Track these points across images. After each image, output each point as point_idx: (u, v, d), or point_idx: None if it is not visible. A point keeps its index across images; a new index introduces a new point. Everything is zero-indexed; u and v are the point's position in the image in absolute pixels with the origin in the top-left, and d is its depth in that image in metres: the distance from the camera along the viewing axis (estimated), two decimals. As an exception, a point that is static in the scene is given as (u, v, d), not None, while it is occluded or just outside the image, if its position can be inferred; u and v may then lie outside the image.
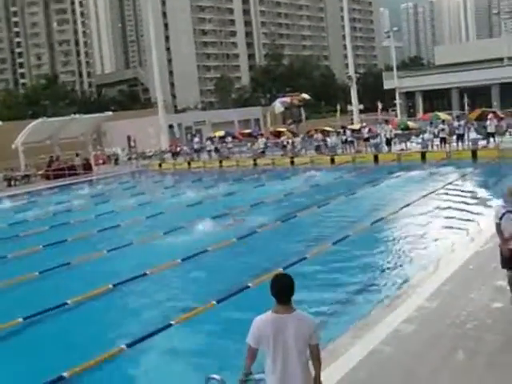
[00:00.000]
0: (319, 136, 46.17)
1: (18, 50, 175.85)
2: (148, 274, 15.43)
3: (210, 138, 53.12)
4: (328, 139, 44.90)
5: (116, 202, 31.66)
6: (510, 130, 40.71)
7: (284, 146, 46.99)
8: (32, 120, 54.35)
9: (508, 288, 10.31)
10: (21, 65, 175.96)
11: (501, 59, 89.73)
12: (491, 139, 38.59)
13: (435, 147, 40.45)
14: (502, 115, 44.95)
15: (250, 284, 13.49)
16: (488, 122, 39.09)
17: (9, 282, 15.89)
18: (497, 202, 14.53)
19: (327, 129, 48.95)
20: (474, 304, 10.59)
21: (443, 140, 39.78)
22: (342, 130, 45.68)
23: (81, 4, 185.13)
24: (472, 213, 20.10)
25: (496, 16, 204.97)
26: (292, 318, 5.79)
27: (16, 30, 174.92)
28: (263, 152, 47.51)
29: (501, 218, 10.07)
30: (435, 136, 40.71)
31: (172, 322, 11.66)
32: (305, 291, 12.07)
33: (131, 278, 15.12)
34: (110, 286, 14.52)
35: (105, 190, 39.52)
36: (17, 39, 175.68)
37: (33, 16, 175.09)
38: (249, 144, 49.64)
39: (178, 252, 17.42)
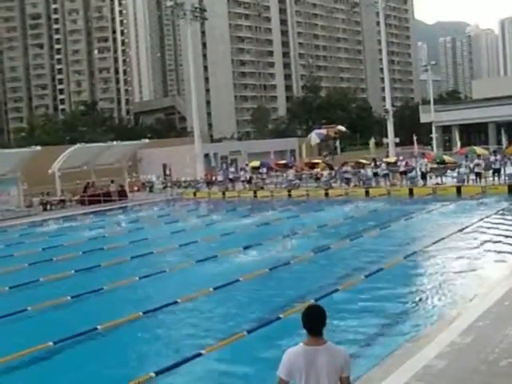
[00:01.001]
0: (349, 168, 46.18)
1: (58, 77, 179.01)
2: (179, 302, 15.40)
3: (243, 168, 53.22)
4: (362, 171, 44.84)
5: (150, 230, 31.83)
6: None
7: (317, 178, 46.96)
8: (70, 146, 54.98)
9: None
10: (61, 91, 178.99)
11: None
12: None
13: (471, 181, 40.16)
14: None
15: (281, 315, 13.40)
16: None
17: (40, 305, 15.97)
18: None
19: (362, 161, 48.76)
20: (508, 341, 10.39)
21: (478, 175, 39.50)
22: (373, 163, 45.48)
23: (122, 33, 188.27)
24: (508, 248, 19.81)
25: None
26: (324, 350, 5.73)
27: (58, 56, 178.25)
28: (297, 184, 47.48)
29: None
30: (471, 170, 40.44)
31: (202, 352, 11.59)
32: (337, 323, 11.98)
33: (162, 305, 15.09)
34: (141, 313, 14.52)
35: (139, 217, 39.76)
36: (58, 66, 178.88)
37: (75, 43, 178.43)
38: (284, 175, 49.64)
39: (210, 280, 17.39)
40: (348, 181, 45.17)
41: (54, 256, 23.92)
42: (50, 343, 12.47)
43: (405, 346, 10.97)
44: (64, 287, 18.30)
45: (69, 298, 16.56)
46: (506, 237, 22.22)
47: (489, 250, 19.81)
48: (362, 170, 45.23)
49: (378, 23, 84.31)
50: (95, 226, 36.00)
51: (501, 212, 29.43)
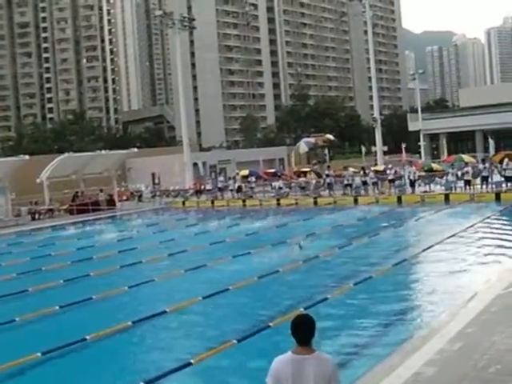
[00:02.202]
0: (331, 173, 46.62)
1: (47, 86, 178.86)
2: (168, 311, 15.37)
3: (233, 177, 53.19)
4: (344, 180, 45.07)
5: (139, 239, 31.77)
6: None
7: (302, 188, 47.10)
8: (58, 155, 54.83)
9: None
10: (49, 100, 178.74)
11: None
12: (509, 183, 38.59)
13: (458, 189, 40.38)
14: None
15: (270, 324, 13.41)
16: (505, 165, 39.16)
17: (29, 315, 15.88)
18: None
19: (351, 169, 48.90)
20: (496, 347, 10.42)
21: (467, 182, 39.72)
22: (362, 172, 45.62)
23: (110, 42, 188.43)
24: (496, 255, 19.92)
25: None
26: (312, 359, 5.71)
27: (46, 65, 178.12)
28: (286, 192, 47.54)
29: None
30: (458, 178, 40.70)
31: (192, 361, 11.58)
32: (324, 331, 11.99)
33: (151, 315, 15.06)
34: (130, 323, 14.48)
35: (128, 227, 39.67)
36: (46, 75, 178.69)
37: (63, 52, 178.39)
38: (273, 184, 49.68)
39: (199, 289, 17.38)
40: (330, 186, 45.25)
41: (43, 266, 23.81)
42: (39, 354, 12.39)
43: (394, 355, 10.99)
44: (52, 297, 18.23)
45: (57, 307, 16.47)
46: (494, 244, 22.33)
47: (477, 258, 19.89)
48: (343, 178, 45.42)
49: (365, 32, 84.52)
50: (84, 235, 35.90)
51: (488, 220, 29.56)
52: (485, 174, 39.74)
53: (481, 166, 40.72)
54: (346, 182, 45.02)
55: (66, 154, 51.33)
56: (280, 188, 47.57)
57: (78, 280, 20.61)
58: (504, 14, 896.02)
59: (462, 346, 10.70)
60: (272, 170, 59.45)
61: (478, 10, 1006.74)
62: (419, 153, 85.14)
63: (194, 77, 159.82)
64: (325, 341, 11.26)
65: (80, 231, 38.99)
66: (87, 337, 13.34)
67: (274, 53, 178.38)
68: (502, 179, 39.46)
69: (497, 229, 26.54)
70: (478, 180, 40.23)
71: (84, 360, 12.68)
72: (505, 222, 28.68)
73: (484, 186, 39.70)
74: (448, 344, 10.84)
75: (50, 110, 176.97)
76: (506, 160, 40.47)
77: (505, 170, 39.08)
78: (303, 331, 5.76)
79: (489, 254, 20.30)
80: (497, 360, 9.79)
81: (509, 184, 38.70)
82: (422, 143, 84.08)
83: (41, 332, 14.84)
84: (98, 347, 13.24)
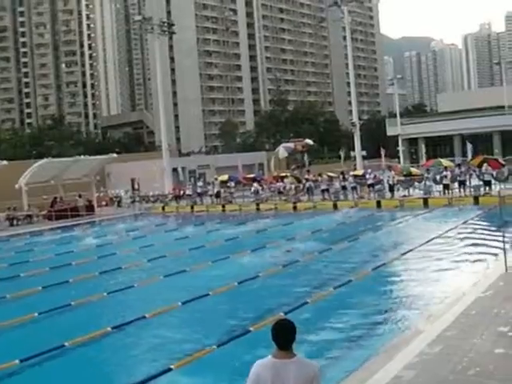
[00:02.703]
0: (311, 177, 46.90)
1: (25, 90, 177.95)
2: (147, 317, 15.31)
3: (212, 182, 53.11)
4: (321, 185, 45.19)
5: (118, 245, 31.62)
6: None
7: (280, 192, 47.17)
8: (37, 160, 54.49)
9: (510, 334, 10.26)
10: (28, 105, 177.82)
11: (502, 107, 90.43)
12: (487, 187, 38.96)
13: (437, 193, 40.67)
14: (503, 162, 45.17)
15: (251, 328, 13.40)
16: (484, 170, 39.57)
17: (7, 322, 15.71)
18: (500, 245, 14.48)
19: (330, 174, 49.02)
20: (476, 350, 10.48)
21: (446, 187, 40.02)
22: (341, 176, 45.75)
23: (90, 47, 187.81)
24: (474, 259, 20.04)
25: (497, 65, 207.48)
26: (292, 363, 5.71)
27: (25, 70, 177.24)
28: (266, 197, 47.60)
29: None
30: (436, 182, 41.01)
31: (172, 366, 11.53)
32: (304, 336, 12.01)
33: (130, 320, 15.00)
34: (109, 328, 14.40)
35: (107, 232, 39.45)
36: (25, 79, 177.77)
37: (42, 57, 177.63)
38: (252, 188, 49.65)
39: (178, 295, 17.34)
40: (309, 190, 45.38)
41: (21, 272, 23.62)
42: (17, 361, 12.29)
43: (374, 358, 11.01)
44: (31, 304, 18.07)
45: (36, 314, 16.34)
46: (473, 247, 22.48)
47: (456, 261, 20.02)
48: (320, 184, 45.53)
49: (344, 38, 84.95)
50: (63, 241, 35.68)
51: (466, 223, 29.75)
52: (461, 178, 40.15)
53: (457, 170, 41.08)
54: (322, 188, 45.18)
55: (45, 160, 51.01)
56: (257, 192, 47.61)
57: (57, 286, 20.45)
58: (481, 20, 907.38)
59: (441, 349, 10.74)
60: (251, 175, 59.42)
61: (456, 16, 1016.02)
62: (398, 157, 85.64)
63: (174, 82, 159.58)
64: (304, 345, 11.26)
65: (59, 237, 38.74)
66: (66, 343, 13.25)
67: (253, 58, 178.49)
68: (481, 183, 39.79)
69: (475, 233, 26.70)
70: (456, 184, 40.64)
71: (63, 367, 12.58)
72: (483, 226, 28.84)
73: (462, 190, 40.07)
74: (428, 347, 10.88)
75: (29, 115, 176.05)
76: (485, 165, 40.84)
77: (483, 174, 39.44)
78: (283, 336, 5.76)
79: (468, 258, 20.40)
80: (476, 363, 9.84)
81: (487, 188, 39.08)
82: (400, 148, 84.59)
83: (19, 339, 14.69)
84: (78, 354, 13.14)
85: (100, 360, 13.05)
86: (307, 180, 46.69)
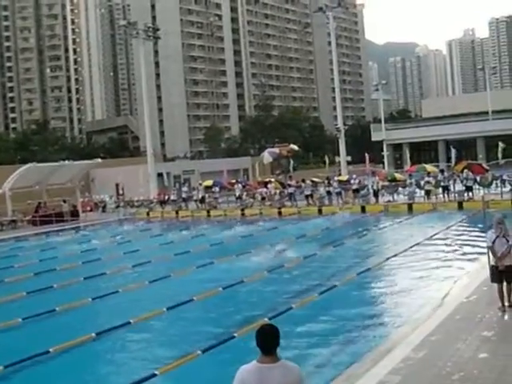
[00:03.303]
0: (293, 183, 47.28)
1: (10, 95, 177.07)
2: (132, 322, 15.28)
3: (196, 188, 52.94)
4: (304, 191, 45.28)
5: (102, 250, 31.52)
6: (495, 181, 41.08)
7: (263, 198, 47.20)
8: (21, 165, 54.26)
9: (493, 338, 10.34)
10: (12, 109, 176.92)
11: (486, 113, 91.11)
12: (470, 193, 39.24)
13: (421, 199, 40.84)
14: (487, 167, 45.48)
15: (235, 334, 13.41)
16: (465, 175, 39.89)
17: (-9, 328, 15.67)
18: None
19: (314, 180, 49.08)
20: (460, 354, 10.55)
21: (427, 192, 40.28)
22: (326, 181, 45.81)
23: (74, 51, 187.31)
24: (459, 264, 20.13)
25: (481, 71, 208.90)
26: (277, 368, 5.74)
27: (9, 74, 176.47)
28: (251, 203, 47.65)
29: (493, 242, 12.74)
30: (420, 188, 41.23)
31: (156, 372, 11.51)
32: (289, 342, 12.02)
33: (115, 326, 14.96)
34: (94, 334, 14.36)
35: (91, 238, 39.30)
36: (9, 84, 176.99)
37: (26, 62, 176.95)
38: (237, 194, 49.55)
39: (163, 300, 17.32)
40: (291, 195, 45.52)
41: (5, 277, 23.52)
42: (1, 367, 12.24)
43: (358, 363, 11.05)
44: (15, 309, 17.99)
45: (20, 320, 16.27)
46: (455, 252, 22.60)
47: (440, 266, 20.10)
48: (304, 189, 45.64)
49: (329, 43, 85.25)
50: (47, 246, 35.52)
51: (450, 228, 29.89)
52: (444, 184, 40.41)
53: (440, 176, 41.32)
54: (305, 193, 45.27)
55: (29, 165, 50.70)
56: (240, 197, 47.66)
57: (41, 292, 20.36)
58: (465, 26, 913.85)
59: (426, 353, 10.80)
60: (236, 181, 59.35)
61: (440, 22, 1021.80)
62: (383, 163, 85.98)
63: (159, 87, 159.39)
64: (288, 351, 11.28)
65: (43, 242, 38.56)
66: (50, 349, 13.20)
67: (238, 63, 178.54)
68: (464, 188, 40.04)
69: (459, 237, 26.82)
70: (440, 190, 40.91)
71: (48, 373, 12.55)
72: (467, 231, 29.01)
73: (446, 196, 40.33)
74: (412, 352, 10.93)
75: (13, 120, 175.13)
76: (465, 171, 41.16)
77: (466, 179, 39.71)
78: (267, 341, 5.78)
79: (452, 263, 20.52)
80: (460, 367, 9.91)
81: (470, 193, 39.36)
82: (385, 153, 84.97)
83: (3, 344, 14.60)
84: (62, 359, 13.10)
85: (85, 366, 13.01)
86: (290, 186, 46.80)
